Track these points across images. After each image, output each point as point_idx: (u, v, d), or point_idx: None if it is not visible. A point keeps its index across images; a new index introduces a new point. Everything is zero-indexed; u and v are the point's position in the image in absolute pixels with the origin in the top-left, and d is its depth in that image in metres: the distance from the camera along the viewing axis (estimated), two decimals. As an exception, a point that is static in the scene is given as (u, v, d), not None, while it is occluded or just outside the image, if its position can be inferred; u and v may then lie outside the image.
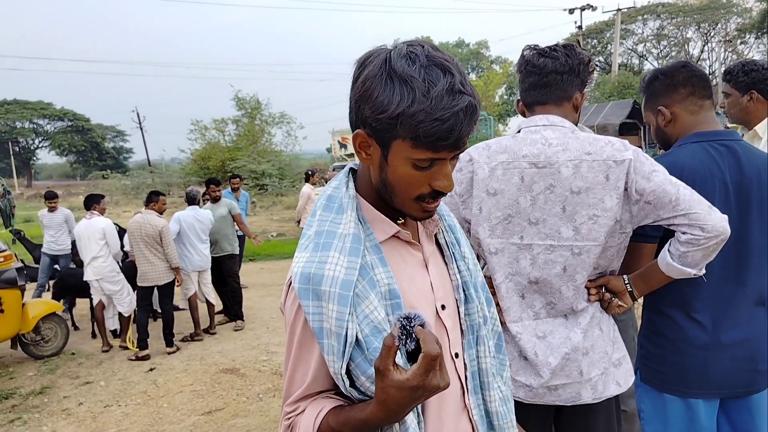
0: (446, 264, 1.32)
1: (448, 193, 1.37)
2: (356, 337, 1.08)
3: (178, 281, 6.88)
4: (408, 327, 0.98)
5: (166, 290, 6.82)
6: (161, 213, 6.83)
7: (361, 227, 1.17)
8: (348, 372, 1.11)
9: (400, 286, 1.16)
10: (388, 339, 0.98)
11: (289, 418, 1.18)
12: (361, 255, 1.12)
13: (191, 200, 7.45)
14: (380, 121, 1.04)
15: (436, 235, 1.33)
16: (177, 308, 8.08)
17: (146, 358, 6.63)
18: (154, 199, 6.82)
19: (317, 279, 1.08)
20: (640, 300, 2.07)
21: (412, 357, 1.01)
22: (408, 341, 0.98)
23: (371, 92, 1.04)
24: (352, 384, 1.12)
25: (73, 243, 8.54)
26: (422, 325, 0.98)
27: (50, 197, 8.99)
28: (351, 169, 1.27)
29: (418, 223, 1.30)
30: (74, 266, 8.72)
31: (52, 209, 8.86)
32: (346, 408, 1.12)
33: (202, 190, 8.39)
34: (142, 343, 6.71)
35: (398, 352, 1.00)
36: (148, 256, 6.58)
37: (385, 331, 1.09)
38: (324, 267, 1.09)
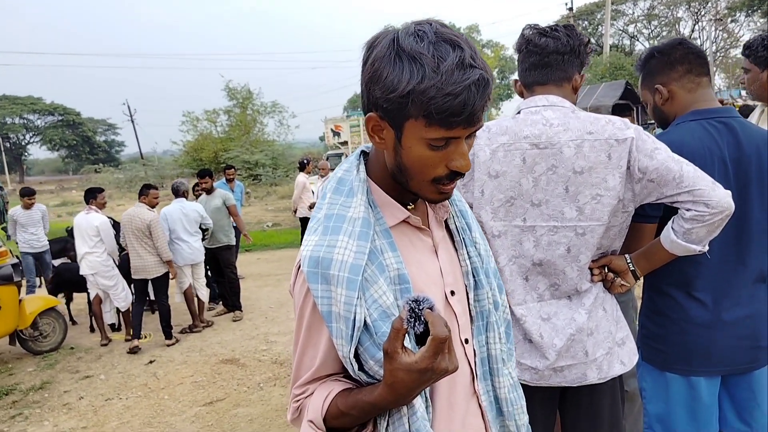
0: (456, 250, 1.31)
1: None
2: (365, 321, 1.08)
3: (171, 274, 6.83)
4: (417, 310, 0.98)
5: (160, 283, 6.79)
6: (153, 206, 6.78)
7: (371, 211, 1.16)
8: (356, 356, 1.10)
9: (409, 272, 1.16)
10: (397, 322, 0.98)
11: (297, 401, 1.19)
12: (370, 239, 1.11)
13: (176, 193, 7.43)
14: (391, 101, 1.02)
15: (446, 221, 1.32)
16: None
17: (136, 350, 6.61)
18: (144, 193, 6.78)
19: (326, 263, 1.08)
20: (640, 280, 2.07)
21: (420, 340, 1.01)
22: (417, 324, 0.98)
23: (380, 73, 1.02)
24: (361, 367, 1.11)
25: (70, 237, 8.49)
26: (431, 308, 0.98)
27: (29, 194, 8.83)
28: (362, 151, 1.26)
29: (429, 208, 1.29)
30: (68, 261, 8.68)
31: (29, 206, 8.71)
32: (355, 391, 1.12)
33: (194, 181, 8.37)
34: (135, 332, 6.71)
35: (407, 335, 0.99)
36: (138, 250, 6.57)
37: (394, 315, 1.09)
38: (333, 251, 1.08)
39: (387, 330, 1.06)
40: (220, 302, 8.31)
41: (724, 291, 2.01)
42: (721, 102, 3.31)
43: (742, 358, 2.04)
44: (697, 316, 2.01)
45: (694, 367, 2.05)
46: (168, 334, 6.87)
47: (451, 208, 1.31)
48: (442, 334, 0.96)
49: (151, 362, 6.33)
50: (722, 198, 1.74)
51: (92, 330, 7.66)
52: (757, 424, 2.12)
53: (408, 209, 1.22)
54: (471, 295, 1.29)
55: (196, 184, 8.23)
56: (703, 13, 42.65)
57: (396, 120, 1.06)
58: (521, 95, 2.04)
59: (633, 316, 2.98)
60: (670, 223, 1.88)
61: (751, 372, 2.07)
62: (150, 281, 6.77)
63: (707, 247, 1.85)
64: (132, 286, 7.05)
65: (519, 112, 1.94)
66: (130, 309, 7.04)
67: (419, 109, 1.00)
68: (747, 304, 2.03)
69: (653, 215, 2.02)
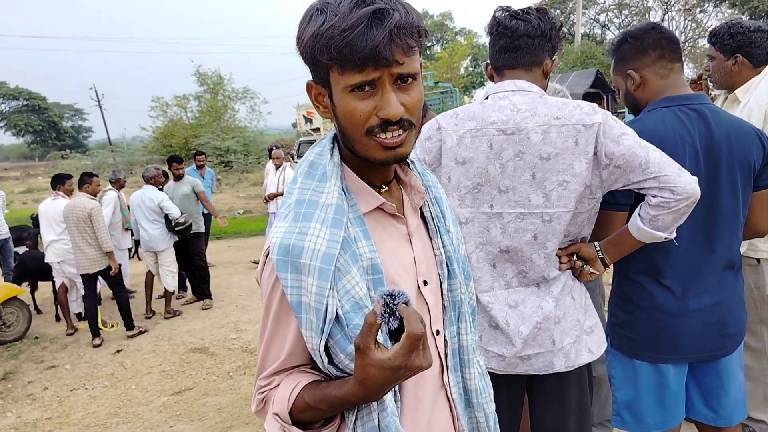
0: (431, 238, 1.26)
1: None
2: (336, 313, 1.03)
3: (113, 267, 6.47)
4: (391, 305, 0.94)
5: (109, 276, 6.52)
6: (95, 195, 6.58)
7: (345, 198, 1.11)
8: (326, 348, 1.06)
9: (383, 260, 1.11)
10: (371, 317, 0.93)
11: (262, 392, 1.14)
12: (344, 227, 1.06)
13: (143, 179, 7.36)
14: (308, 56, 1.04)
15: (421, 208, 1.27)
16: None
17: (99, 345, 6.46)
18: (87, 181, 6.54)
19: (297, 251, 1.02)
20: (610, 267, 2.06)
21: (394, 335, 0.97)
22: (391, 319, 0.94)
23: (300, 32, 1.05)
24: (330, 360, 1.07)
25: (35, 225, 8.28)
26: (406, 303, 0.94)
27: None
28: (335, 135, 1.20)
29: (404, 194, 1.24)
30: (27, 249, 8.45)
31: None
32: (323, 384, 1.08)
33: (163, 167, 8.21)
34: (93, 329, 6.53)
35: (380, 329, 0.96)
36: (78, 243, 6.26)
37: (366, 307, 1.05)
38: (304, 239, 1.03)
39: (359, 322, 1.03)
40: (189, 290, 8.20)
41: (692, 278, 2.01)
42: (700, 77, 3.31)
43: (709, 346, 2.05)
44: (665, 303, 2.01)
45: (662, 355, 2.05)
46: (129, 324, 6.67)
47: (426, 195, 1.26)
48: (418, 331, 0.92)
49: (118, 352, 6.22)
50: (688, 184, 1.73)
51: (58, 319, 7.52)
52: (724, 410, 2.13)
53: (381, 192, 1.17)
54: (444, 285, 1.25)
55: (164, 171, 8.06)
56: (672, 2, 43.13)
57: (322, 77, 1.06)
58: (491, 79, 2.01)
59: (600, 302, 2.99)
60: (637, 209, 1.87)
61: (719, 359, 2.09)
62: (100, 275, 6.49)
63: (674, 234, 1.85)
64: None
65: (487, 98, 1.91)
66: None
67: (328, 56, 1.00)
68: (715, 292, 2.03)
69: (624, 203, 2.00)
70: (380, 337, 0.98)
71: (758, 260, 2.97)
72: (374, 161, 1.09)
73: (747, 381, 2.84)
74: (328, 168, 1.12)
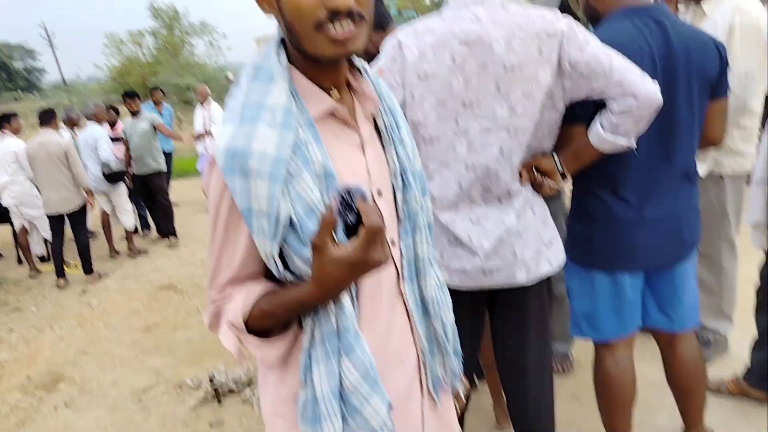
0: (384, 148, 1.23)
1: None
2: (289, 218, 1.01)
3: (90, 204, 6.40)
4: (348, 200, 0.93)
5: (78, 216, 6.38)
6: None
7: (294, 101, 1.06)
8: (281, 255, 1.05)
9: (335, 167, 1.07)
10: (327, 214, 0.93)
11: (215, 304, 1.13)
12: (293, 129, 1.02)
13: (86, 117, 7.20)
14: None
15: (375, 118, 1.23)
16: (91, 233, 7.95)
17: (64, 286, 6.41)
18: (54, 117, 6.35)
19: (244, 155, 0.98)
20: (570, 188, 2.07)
21: (351, 233, 0.96)
22: (348, 215, 0.93)
23: None
24: (286, 267, 1.06)
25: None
26: (363, 199, 0.93)
27: None
28: (282, 39, 1.13)
29: (356, 102, 1.19)
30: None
31: None
32: (279, 290, 1.07)
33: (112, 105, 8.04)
34: (58, 270, 6.45)
35: (336, 228, 0.95)
36: (49, 181, 6.07)
37: (320, 211, 1.02)
38: (252, 142, 0.99)
39: (313, 227, 1.01)
40: (153, 229, 8.11)
41: (649, 189, 2.03)
42: None
43: (665, 254, 2.09)
44: (622, 214, 2.04)
45: (619, 264, 2.09)
46: (88, 269, 6.54)
47: (379, 103, 1.22)
48: (376, 223, 0.91)
49: (84, 292, 6.17)
50: (651, 90, 1.73)
51: (20, 262, 7.41)
52: (677, 316, 2.21)
53: (332, 97, 1.12)
54: (399, 196, 1.22)
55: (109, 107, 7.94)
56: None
57: None
58: None
59: (562, 222, 3.02)
60: (597, 117, 1.86)
61: (673, 266, 2.14)
62: (66, 216, 6.30)
63: (634, 144, 1.85)
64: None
65: (448, 9, 1.84)
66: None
67: None
68: (671, 202, 2.06)
69: (583, 115, 1.99)
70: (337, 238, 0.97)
71: (721, 176, 3.03)
72: (323, 58, 1.04)
73: (702, 293, 2.94)
74: (275, 69, 1.06)
